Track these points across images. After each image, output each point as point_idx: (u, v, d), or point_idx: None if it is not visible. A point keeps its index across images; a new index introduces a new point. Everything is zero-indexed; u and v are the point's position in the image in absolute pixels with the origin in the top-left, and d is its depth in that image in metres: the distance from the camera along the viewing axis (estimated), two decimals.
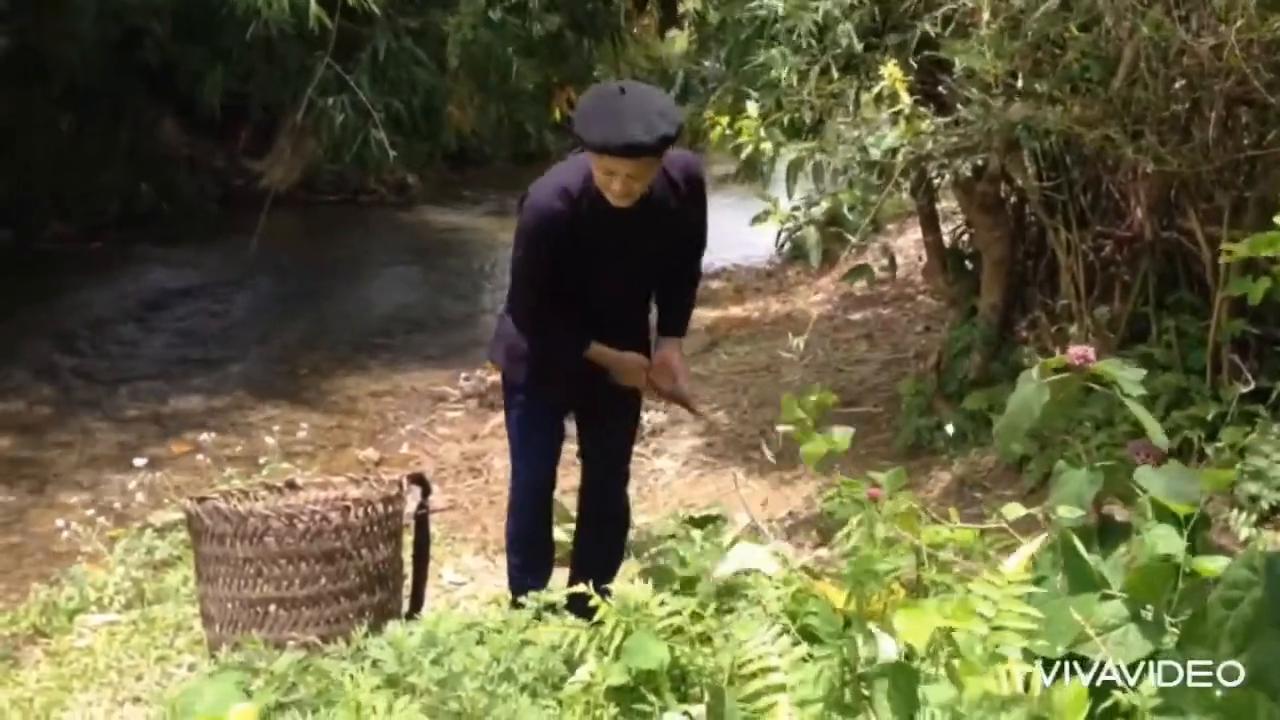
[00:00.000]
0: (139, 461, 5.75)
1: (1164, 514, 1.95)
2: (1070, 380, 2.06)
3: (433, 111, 8.32)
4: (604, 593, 2.51)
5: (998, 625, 1.84)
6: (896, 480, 2.78)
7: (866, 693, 1.93)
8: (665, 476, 5.45)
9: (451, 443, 6.27)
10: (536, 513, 3.30)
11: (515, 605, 3.01)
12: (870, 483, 2.70)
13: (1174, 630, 1.83)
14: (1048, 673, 1.77)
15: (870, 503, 2.57)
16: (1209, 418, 3.87)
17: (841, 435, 2.50)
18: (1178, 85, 3.71)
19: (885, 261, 6.91)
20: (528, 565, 3.29)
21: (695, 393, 6.62)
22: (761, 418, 6.02)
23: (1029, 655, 1.85)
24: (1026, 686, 1.78)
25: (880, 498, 2.51)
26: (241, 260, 9.43)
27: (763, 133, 4.00)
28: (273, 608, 3.03)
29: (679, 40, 10.43)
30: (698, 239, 3.22)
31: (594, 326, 3.07)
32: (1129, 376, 2.05)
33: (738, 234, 10.69)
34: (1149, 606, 1.84)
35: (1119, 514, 2.26)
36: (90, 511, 5.04)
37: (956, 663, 1.80)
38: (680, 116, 2.89)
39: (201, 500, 3.21)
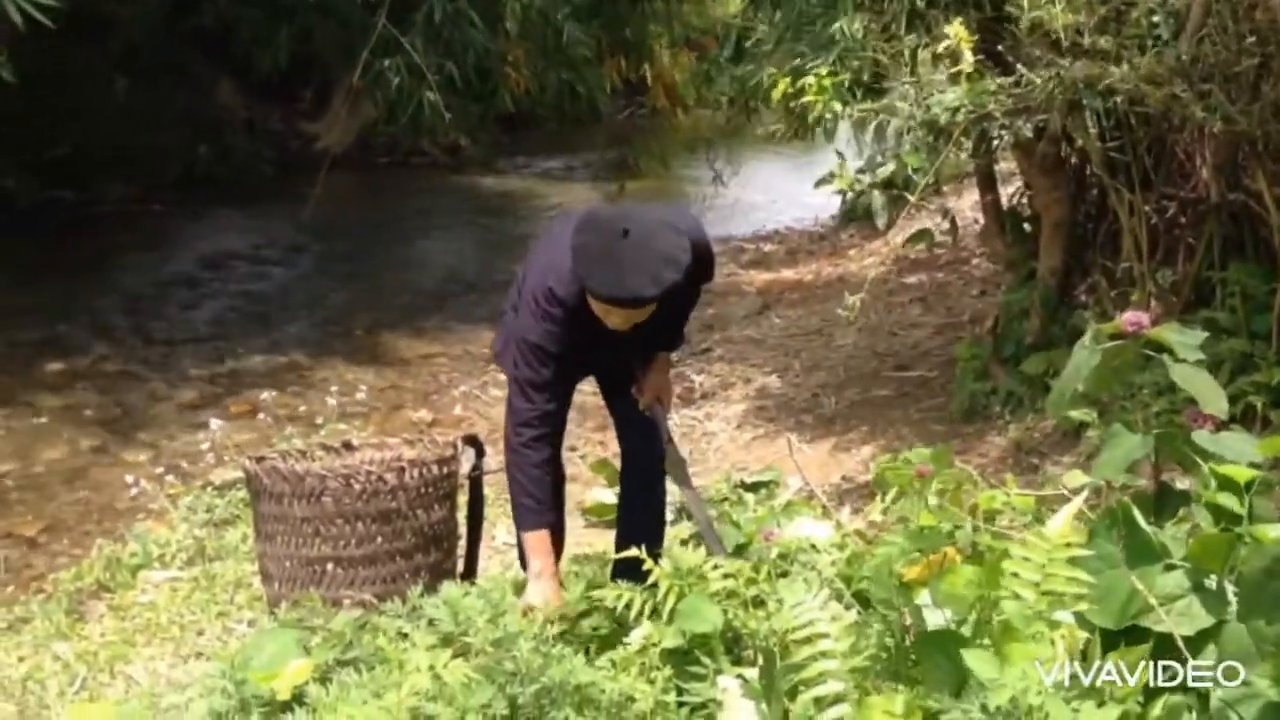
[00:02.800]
0: (198, 420, 5.87)
1: (1224, 481, 1.92)
2: (1125, 346, 2.02)
3: (486, 73, 8.29)
4: (653, 557, 2.52)
5: (1046, 590, 1.82)
6: (943, 458, 2.76)
7: (915, 660, 1.92)
8: (717, 440, 5.44)
9: (503, 405, 6.30)
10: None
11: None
12: (919, 460, 2.69)
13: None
14: (1107, 644, 1.75)
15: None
16: (1273, 383, 3.80)
17: None
18: (1248, 41, 3.61)
19: (945, 225, 6.82)
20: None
21: (747, 355, 6.66)
22: (814, 381, 6.00)
23: (1084, 622, 1.83)
24: (1084, 655, 1.76)
25: (929, 474, 2.49)
26: (297, 222, 9.51)
27: (829, 89, 3.93)
28: (330, 566, 3.07)
29: (732, 0, 10.33)
30: (704, 285, 3.11)
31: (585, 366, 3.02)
32: (1186, 341, 2.00)
33: (791, 195, 10.65)
34: (1211, 576, 1.81)
35: (1178, 482, 2.23)
36: (153, 469, 5.14)
37: (1003, 631, 1.78)
38: (688, 257, 2.64)
39: (260, 460, 3.25)
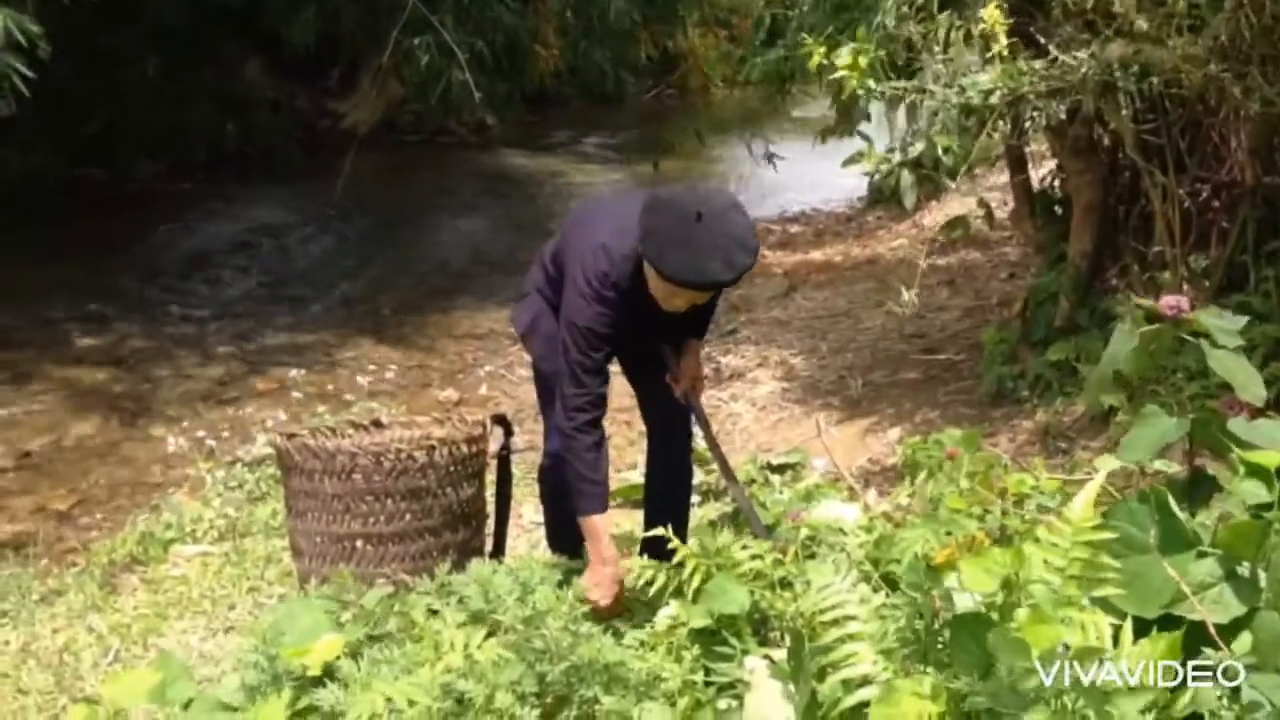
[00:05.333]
0: (228, 397, 5.92)
1: (1255, 468, 1.90)
2: (1163, 330, 2.00)
3: (515, 51, 8.30)
4: (680, 539, 2.53)
5: (1072, 574, 1.81)
6: (972, 441, 2.75)
7: (944, 643, 1.92)
8: (743, 421, 5.44)
9: (529, 384, 6.26)
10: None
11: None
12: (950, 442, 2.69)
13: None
14: (1138, 630, 1.74)
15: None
16: None
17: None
18: None
19: (981, 212, 6.76)
20: (562, 533, 3.23)
21: (774, 337, 6.65)
22: (840, 363, 5.98)
23: (1113, 608, 1.82)
24: (1116, 641, 1.76)
25: (958, 456, 2.48)
26: (325, 201, 9.55)
27: (863, 63, 3.90)
28: (360, 543, 3.09)
29: None
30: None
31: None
32: (1225, 326, 1.99)
33: (818, 176, 10.59)
34: (1244, 563, 1.80)
35: (1211, 468, 2.21)
36: (183, 445, 5.19)
37: (1024, 612, 1.78)
38: (757, 241, 2.67)
39: (291, 437, 3.27)
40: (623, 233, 2.76)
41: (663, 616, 2.40)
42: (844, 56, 3.78)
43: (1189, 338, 2.01)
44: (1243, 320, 2.04)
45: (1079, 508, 1.87)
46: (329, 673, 2.24)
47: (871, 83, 3.84)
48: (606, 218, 2.88)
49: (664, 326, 2.95)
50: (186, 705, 2.13)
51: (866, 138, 8.84)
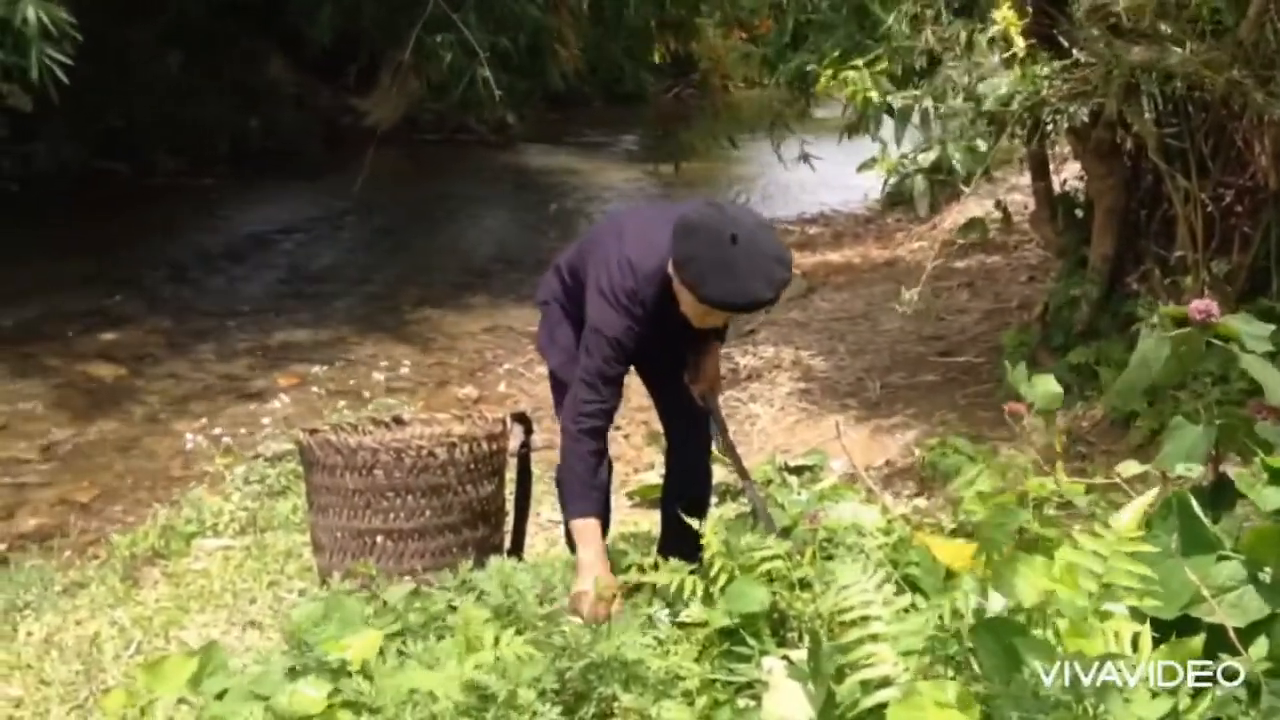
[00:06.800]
0: (248, 392, 5.96)
1: (1275, 474, 1.90)
2: (1193, 335, 2.00)
3: (537, 50, 8.31)
4: (697, 543, 2.54)
5: (1107, 583, 1.82)
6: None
7: (970, 646, 1.92)
8: (761, 422, 5.45)
9: (548, 382, 6.34)
10: None
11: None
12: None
13: None
14: (1160, 634, 1.75)
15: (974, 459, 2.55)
16: None
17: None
18: None
19: (998, 215, 6.75)
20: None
21: (792, 338, 6.65)
22: (859, 365, 5.98)
23: (1136, 614, 1.83)
24: (1135, 646, 1.76)
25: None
26: (345, 197, 9.60)
27: (869, 81, 3.91)
28: (380, 539, 3.11)
29: None
30: None
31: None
32: (1255, 332, 1.98)
33: (837, 179, 10.58)
34: (1266, 568, 1.80)
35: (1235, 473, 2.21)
36: (204, 439, 5.23)
37: (1060, 622, 1.78)
38: (790, 254, 2.70)
39: (313, 432, 3.30)
40: (649, 248, 2.77)
41: (682, 616, 2.41)
42: (854, 74, 3.79)
43: (1216, 342, 2.01)
44: (1270, 327, 2.03)
45: (1125, 520, 1.86)
46: (359, 666, 2.25)
47: (875, 95, 3.85)
48: (628, 232, 2.88)
49: (688, 338, 2.98)
50: (220, 695, 2.15)
51: (882, 142, 8.81)
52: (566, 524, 3.37)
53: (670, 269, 2.70)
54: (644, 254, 2.77)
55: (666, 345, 3.00)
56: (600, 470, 2.84)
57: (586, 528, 2.79)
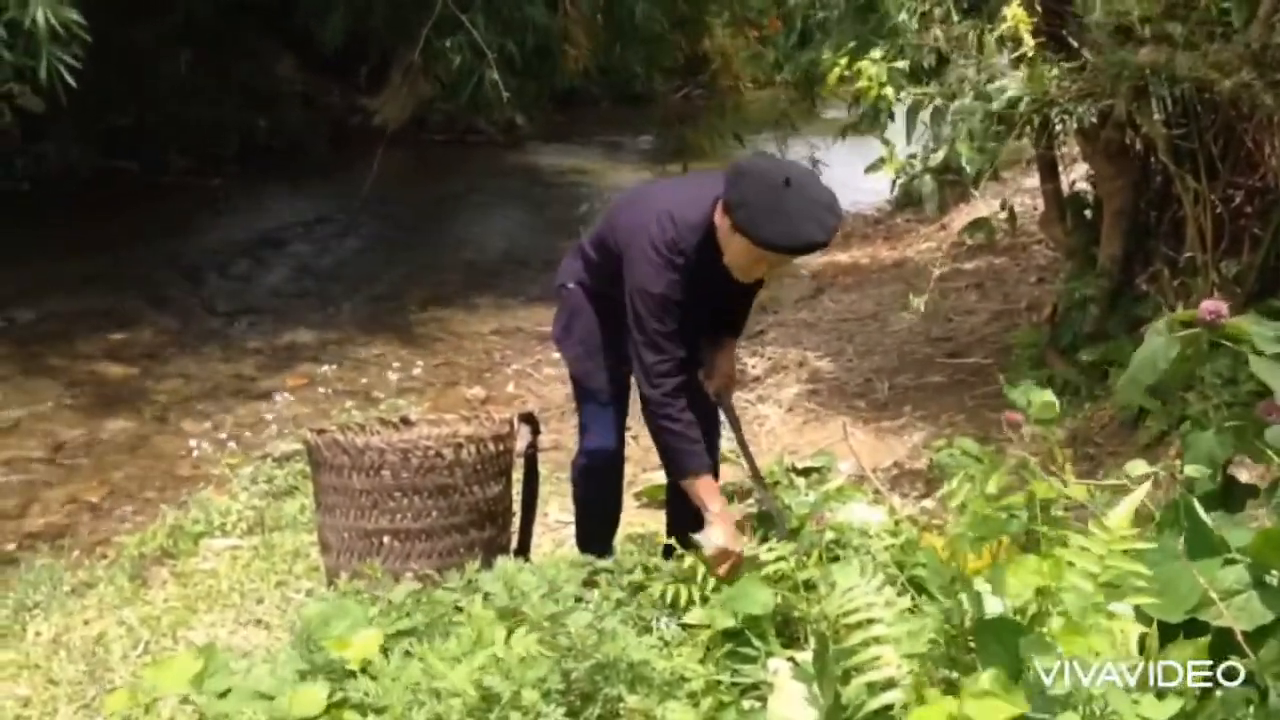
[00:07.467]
0: (256, 392, 5.96)
1: None
2: (1200, 336, 2.00)
3: (546, 51, 8.32)
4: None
5: (1105, 581, 1.81)
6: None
7: (973, 647, 1.92)
8: (769, 423, 5.44)
9: (556, 383, 6.35)
10: (606, 480, 3.26)
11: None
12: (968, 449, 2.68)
13: None
14: (1165, 637, 1.74)
15: (979, 458, 2.54)
16: None
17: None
18: None
19: (1004, 215, 6.72)
20: (593, 533, 3.29)
21: (800, 339, 6.64)
22: (867, 366, 5.97)
23: (1142, 616, 1.82)
24: (1141, 648, 1.75)
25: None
26: (353, 197, 9.61)
27: (884, 74, 3.91)
28: (387, 539, 3.11)
29: None
30: None
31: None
32: (1266, 333, 1.98)
33: (847, 179, 10.56)
34: (1273, 571, 1.79)
35: (1246, 474, 2.20)
36: (212, 439, 5.24)
37: (1059, 621, 1.78)
38: (840, 203, 2.72)
39: (320, 433, 3.30)
40: (689, 201, 2.80)
41: (688, 617, 2.41)
42: (864, 69, 3.79)
43: (1225, 343, 2.01)
44: None
45: (1118, 518, 1.86)
46: (363, 666, 2.26)
47: (890, 91, 3.84)
48: (664, 191, 2.92)
49: (722, 301, 2.99)
50: (223, 694, 2.15)
51: (887, 142, 8.80)
52: (580, 524, 3.36)
53: (718, 216, 2.72)
54: (685, 206, 2.79)
55: (703, 309, 2.98)
56: (696, 424, 2.87)
57: (704, 484, 2.84)
